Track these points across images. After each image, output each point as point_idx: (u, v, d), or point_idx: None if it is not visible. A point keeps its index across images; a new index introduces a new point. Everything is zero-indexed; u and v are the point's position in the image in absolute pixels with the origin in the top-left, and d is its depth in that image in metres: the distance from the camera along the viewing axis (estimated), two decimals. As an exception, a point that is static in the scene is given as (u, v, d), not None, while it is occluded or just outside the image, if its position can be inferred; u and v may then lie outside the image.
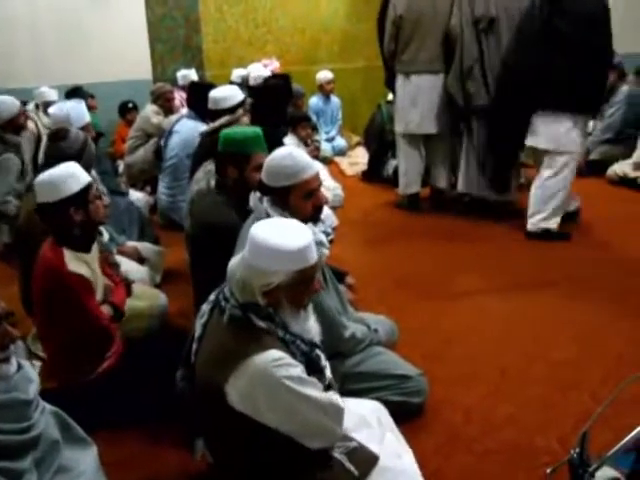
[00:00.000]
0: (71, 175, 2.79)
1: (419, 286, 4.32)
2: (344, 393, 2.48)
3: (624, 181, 6.64)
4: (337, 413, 1.99)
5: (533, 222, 5.14)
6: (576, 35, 4.71)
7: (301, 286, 1.95)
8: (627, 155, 6.86)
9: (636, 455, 1.28)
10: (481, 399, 2.99)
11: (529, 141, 5.14)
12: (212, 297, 2.10)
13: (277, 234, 1.89)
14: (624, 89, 7.18)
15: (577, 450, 1.80)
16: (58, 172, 2.78)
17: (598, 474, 1.76)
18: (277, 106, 5.02)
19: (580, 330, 3.62)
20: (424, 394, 2.85)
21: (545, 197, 5.08)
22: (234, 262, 2.02)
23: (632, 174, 6.56)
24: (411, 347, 3.32)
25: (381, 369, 2.79)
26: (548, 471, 1.96)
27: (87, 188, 2.82)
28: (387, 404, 2.54)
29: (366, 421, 2.29)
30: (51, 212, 2.77)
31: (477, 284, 4.32)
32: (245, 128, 3.59)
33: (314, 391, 1.91)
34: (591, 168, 7.09)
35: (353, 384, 2.70)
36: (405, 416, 2.70)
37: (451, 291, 4.23)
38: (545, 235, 5.09)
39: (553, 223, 5.11)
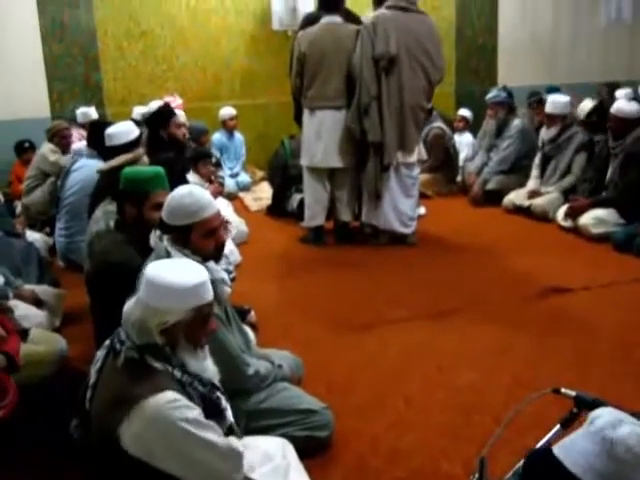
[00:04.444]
0: None
1: (324, 319, 4.34)
2: (249, 431, 2.47)
3: (518, 209, 6.89)
4: (236, 458, 1.94)
5: None
6: None
7: (198, 324, 1.94)
8: (521, 184, 7.15)
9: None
10: (387, 428, 3.01)
11: None
12: (107, 343, 2.05)
13: (171, 272, 1.90)
14: (516, 123, 7.40)
15: (476, 475, 1.85)
16: None
17: (497, 497, 1.82)
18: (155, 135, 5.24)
19: (480, 355, 3.71)
20: (330, 427, 2.84)
21: None
22: (129, 304, 1.99)
23: (526, 203, 6.82)
24: (316, 381, 3.34)
25: (285, 405, 2.77)
26: (449, 497, 2.01)
27: None
28: (293, 440, 2.54)
29: (270, 456, 2.27)
30: None
31: (381, 315, 4.36)
32: (145, 167, 3.57)
33: (213, 435, 1.85)
34: (488, 198, 7.38)
35: (258, 421, 2.67)
36: (312, 450, 2.70)
37: (355, 323, 4.25)
38: None
39: None
